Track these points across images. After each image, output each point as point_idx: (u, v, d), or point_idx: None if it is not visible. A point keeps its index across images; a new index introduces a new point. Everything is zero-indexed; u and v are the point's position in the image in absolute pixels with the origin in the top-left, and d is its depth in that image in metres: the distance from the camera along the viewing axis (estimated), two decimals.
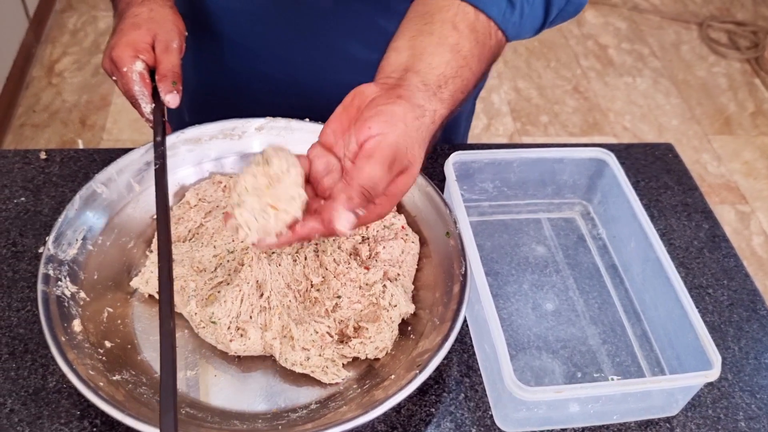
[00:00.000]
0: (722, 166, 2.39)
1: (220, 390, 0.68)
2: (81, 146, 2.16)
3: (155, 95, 0.79)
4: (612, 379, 0.72)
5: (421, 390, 0.70)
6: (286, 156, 0.59)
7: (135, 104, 0.79)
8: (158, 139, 0.76)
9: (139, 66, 0.78)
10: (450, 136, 1.12)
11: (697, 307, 0.81)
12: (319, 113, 0.83)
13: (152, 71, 0.80)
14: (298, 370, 0.66)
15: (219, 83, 1.01)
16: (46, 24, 2.65)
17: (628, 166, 0.97)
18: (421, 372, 0.61)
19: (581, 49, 2.81)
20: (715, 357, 0.65)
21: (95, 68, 2.51)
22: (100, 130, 2.29)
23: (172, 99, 0.78)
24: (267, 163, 0.59)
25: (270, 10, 0.89)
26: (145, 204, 0.80)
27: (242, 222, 0.58)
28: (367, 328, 0.68)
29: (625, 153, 0.99)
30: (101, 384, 0.62)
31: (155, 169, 0.73)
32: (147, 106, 0.78)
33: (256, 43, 0.93)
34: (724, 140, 2.48)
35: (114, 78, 0.80)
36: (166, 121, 0.79)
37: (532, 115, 2.49)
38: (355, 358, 0.69)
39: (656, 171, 0.97)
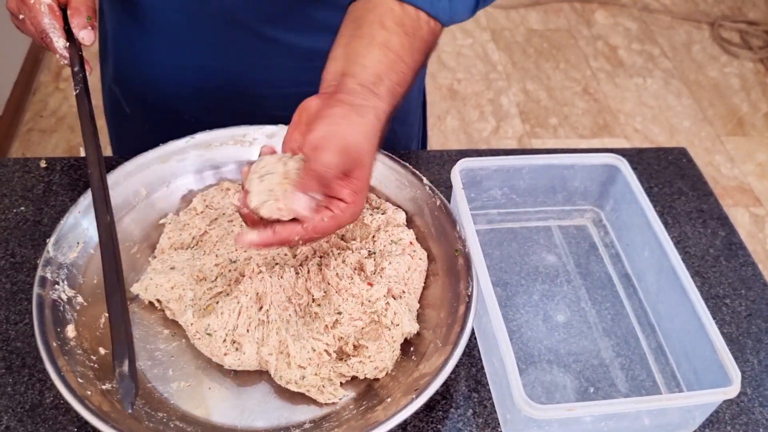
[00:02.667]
0: (735, 167, 2.35)
1: (214, 404, 0.66)
2: (83, 154, 2.14)
3: (69, 35, 0.74)
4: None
5: (428, 406, 0.68)
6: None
7: (45, 41, 0.74)
8: (76, 69, 0.73)
9: None
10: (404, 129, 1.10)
11: (714, 318, 0.78)
12: (251, 105, 0.86)
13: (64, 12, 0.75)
14: (293, 388, 0.64)
15: (154, 79, 0.99)
16: None
17: (640, 172, 0.94)
18: (417, 398, 0.59)
19: (591, 50, 2.78)
20: (735, 373, 0.62)
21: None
22: (107, 134, 2.28)
23: (87, 35, 0.73)
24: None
25: (193, 1, 0.86)
26: (151, 209, 0.79)
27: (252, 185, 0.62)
28: (367, 347, 0.66)
29: (637, 158, 0.96)
30: (89, 393, 0.61)
31: (76, 94, 0.72)
32: (59, 41, 0.73)
33: (184, 36, 0.90)
34: (737, 141, 2.45)
35: (20, 16, 0.74)
36: (83, 57, 0.75)
37: (541, 117, 2.46)
38: (354, 377, 0.67)
39: (669, 176, 0.94)
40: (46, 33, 0.73)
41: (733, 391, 0.61)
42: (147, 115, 1.02)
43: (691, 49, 2.83)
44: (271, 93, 0.92)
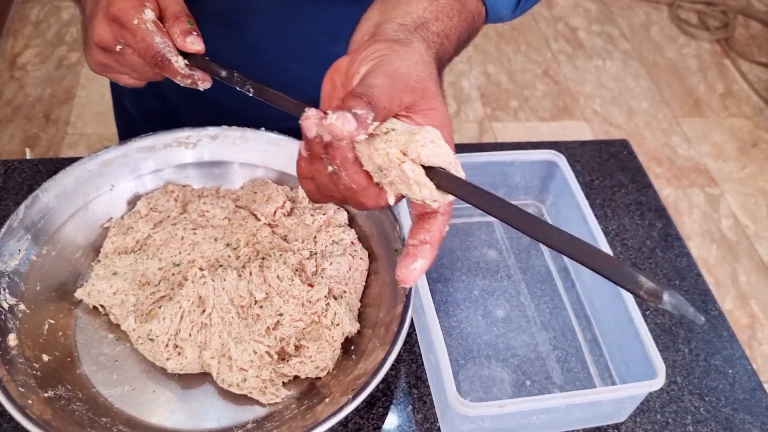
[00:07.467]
0: (692, 148, 2.39)
1: (158, 407, 0.67)
2: (28, 156, 2.11)
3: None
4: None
5: (369, 402, 0.70)
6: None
7: (162, 65, 0.64)
8: (223, 74, 0.64)
9: (149, 14, 0.63)
10: None
11: (648, 309, 0.81)
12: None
13: None
14: (235, 391, 0.66)
15: (161, 91, 0.99)
16: (7, 16, 2.59)
17: (582, 164, 0.96)
18: (353, 399, 0.60)
19: (551, 32, 2.80)
20: (660, 366, 0.65)
21: (59, 60, 2.46)
22: (65, 124, 2.25)
23: (194, 41, 0.64)
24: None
25: (212, 33, 0.85)
26: (95, 213, 0.79)
27: None
28: (307, 347, 0.67)
29: (579, 150, 0.98)
30: (30, 402, 0.61)
31: (253, 93, 0.62)
32: (178, 59, 0.64)
33: None
34: (693, 122, 2.49)
35: (118, 48, 0.65)
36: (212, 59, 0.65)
37: (502, 100, 2.48)
38: (297, 377, 0.68)
39: (610, 169, 0.96)
40: (162, 55, 0.63)
41: (657, 383, 0.64)
42: (148, 121, 0.99)
43: (649, 30, 2.86)
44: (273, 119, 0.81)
